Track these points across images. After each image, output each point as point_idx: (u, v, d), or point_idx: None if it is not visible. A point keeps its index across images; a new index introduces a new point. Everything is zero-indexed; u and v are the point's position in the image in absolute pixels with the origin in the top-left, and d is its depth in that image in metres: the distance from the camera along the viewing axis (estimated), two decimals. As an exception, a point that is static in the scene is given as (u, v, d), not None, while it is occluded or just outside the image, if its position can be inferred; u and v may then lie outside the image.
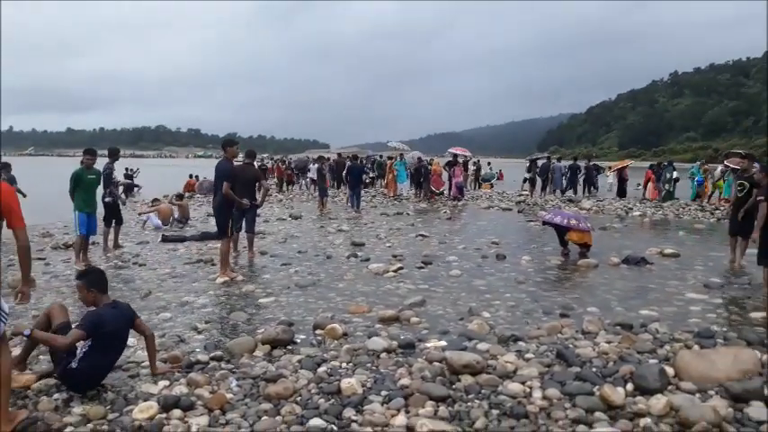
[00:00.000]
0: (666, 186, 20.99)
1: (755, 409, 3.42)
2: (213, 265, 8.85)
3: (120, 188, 13.48)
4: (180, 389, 4.05)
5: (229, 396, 3.90)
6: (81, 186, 9.27)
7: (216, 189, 8.34)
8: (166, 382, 4.21)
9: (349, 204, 18.68)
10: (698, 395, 3.68)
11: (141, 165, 37.19)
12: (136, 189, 27.14)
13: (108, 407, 3.79)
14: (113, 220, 10.67)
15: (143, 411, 3.65)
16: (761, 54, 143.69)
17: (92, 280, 4.27)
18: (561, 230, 9.87)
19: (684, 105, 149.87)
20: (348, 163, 22.35)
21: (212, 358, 4.72)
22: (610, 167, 28.81)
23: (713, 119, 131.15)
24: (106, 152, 10.74)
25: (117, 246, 10.74)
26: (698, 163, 23.96)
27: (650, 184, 22.14)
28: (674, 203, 19.62)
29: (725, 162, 19.21)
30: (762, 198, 7.47)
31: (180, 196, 16.15)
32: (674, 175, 21.05)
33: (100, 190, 9.90)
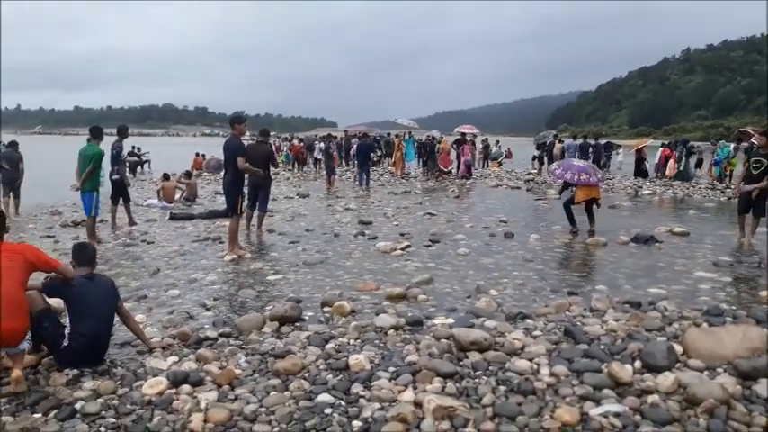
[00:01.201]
0: (677, 166, 20.76)
1: (763, 387, 3.40)
2: (221, 242, 8.88)
3: (127, 167, 13.51)
4: (189, 365, 4.09)
5: (238, 372, 3.93)
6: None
7: (226, 166, 8.28)
8: (175, 359, 4.25)
9: (357, 183, 18.65)
10: (706, 372, 3.66)
11: (149, 143, 37.26)
12: (147, 165, 27.56)
13: (118, 382, 3.84)
14: (120, 198, 10.71)
15: (152, 387, 3.68)
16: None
17: (72, 252, 4.66)
18: (568, 206, 9.80)
19: (696, 83, 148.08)
20: (357, 141, 22.16)
21: (221, 335, 4.76)
22: (620, 146, 28.41)
23: (725, 97, 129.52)
24: (115, 130, 10.76)
25: (132, 222, 10.84)
26: (722, 142, 23.57)
27: (671, 162, 21.68)
28: (684, 182, 19.50)
29: (751, 140, 18.78)
30: None
31: (188, 174, 16.15)
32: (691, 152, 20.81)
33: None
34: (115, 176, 10.50)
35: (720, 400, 3.16)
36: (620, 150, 27.02)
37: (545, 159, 24.09)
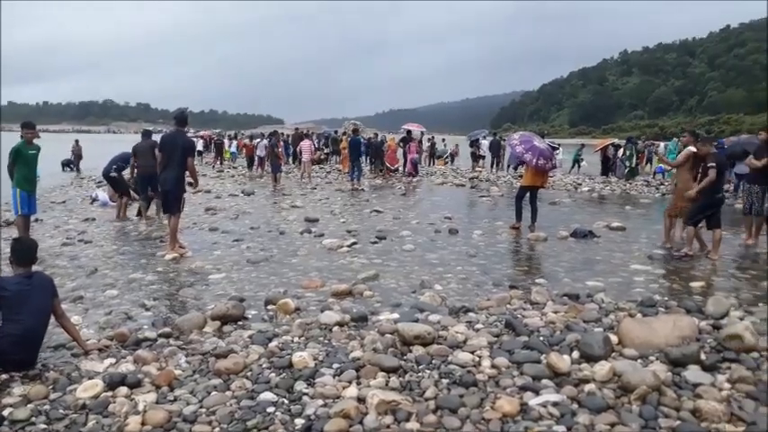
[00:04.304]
0: (628, 163, 21.32)
1: (692, 373, 3.56)
2: (162, 242, 8.65)
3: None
4: (126, 366, 3.97)
5: (178, 372, 3.84)
6: (21, 162, 8.67)
7: (169, 162, 7.95)
8: (113, 360, 4.12)
9: (349, 178, 18.25)
10: (639, 361, 3.80)
11: (91, 140, 35.87)
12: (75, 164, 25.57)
13: (50, 386, 3.69)
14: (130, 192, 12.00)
15: (87, 390, 3.56)
16: (706, 34, 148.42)
17: (11, 248, 4.42)
18: (520, 200, 9.98)
19: (633, 84, 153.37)
20: (353, 137, 20.94)
21: (160, 335, 4.65)
22: (560, 145, 29.18)
23: (660, 97, 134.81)
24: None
25: (118, 215, 11.38)
26: (675, 139, 24.48)
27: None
28: (627, 179, 20.23)
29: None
30: (712, 165, 7.60)
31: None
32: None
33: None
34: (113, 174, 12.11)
35: (652, 387, 3.29)
36: (560, 149, 27.72)
37: (479, 156, 25.51)
